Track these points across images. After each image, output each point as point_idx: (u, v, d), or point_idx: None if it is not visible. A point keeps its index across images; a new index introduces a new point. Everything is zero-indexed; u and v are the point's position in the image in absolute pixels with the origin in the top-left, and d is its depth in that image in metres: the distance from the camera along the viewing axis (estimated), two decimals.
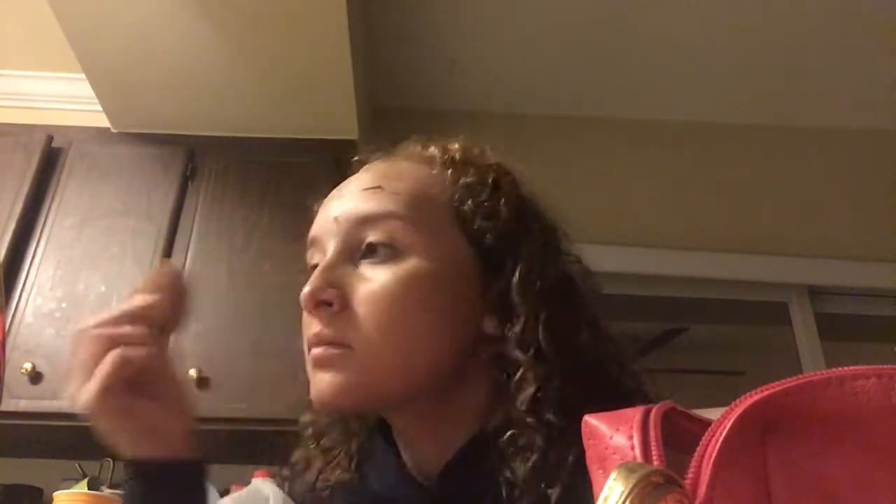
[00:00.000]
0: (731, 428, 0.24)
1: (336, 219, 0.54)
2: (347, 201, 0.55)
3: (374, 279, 0.51)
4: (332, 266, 0.52)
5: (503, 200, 0.55)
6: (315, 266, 0.54)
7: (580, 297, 0.56)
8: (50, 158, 1.99)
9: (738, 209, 2.41)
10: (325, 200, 0.58)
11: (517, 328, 0.51)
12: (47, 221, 1.89)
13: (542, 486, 0.46)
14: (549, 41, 2.27)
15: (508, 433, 0.49)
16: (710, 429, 0.25)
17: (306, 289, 0.51)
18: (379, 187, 0.54)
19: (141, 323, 0.54)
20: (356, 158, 0.63)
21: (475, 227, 0.54)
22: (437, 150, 0.58)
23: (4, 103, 2.20)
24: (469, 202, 0.54)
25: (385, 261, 0.52)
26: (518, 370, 0.50)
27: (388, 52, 2.30)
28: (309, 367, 0.53)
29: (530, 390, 0.49)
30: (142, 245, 1.87)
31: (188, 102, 1.98)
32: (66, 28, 1.77)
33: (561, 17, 2.17)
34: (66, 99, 2.18)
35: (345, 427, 0.60)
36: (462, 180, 0.55)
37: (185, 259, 1.86)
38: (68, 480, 1.75)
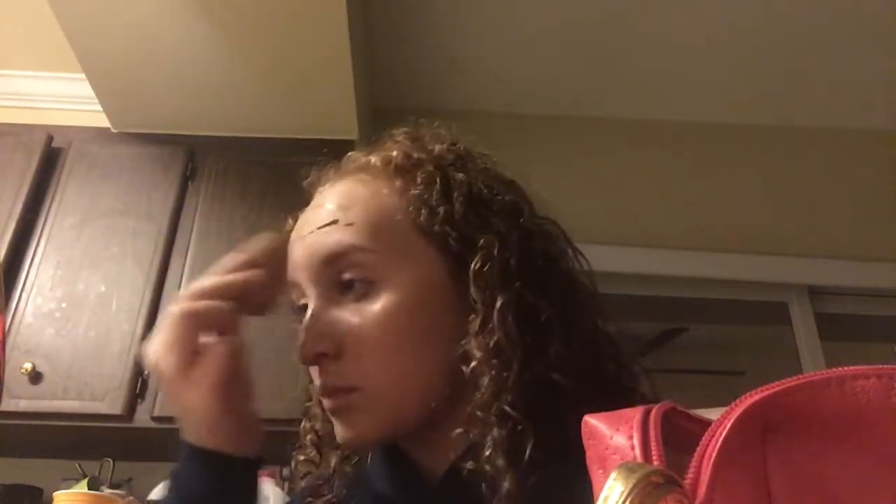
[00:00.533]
0: (731, 428, 0.24)
1: (304, 265, 0.54)
2: (309, 243, 0.55)
3: (359, 318, 0.52)
4: (317, 315, 0.53)
5: (455, 197, 0.54)
6: (302, 306, 0.55)
7: (550, 275, 0.54)
8: (50, 158, 1.99)
9: (738, 209, 2.41)
10: (291, 239, 0.57)
11: (475, 323, 0.51)
12: (47, 221, 1.89)
13: (505, 482, 0.46)
14: (549, 41, 2.27)
15: (458, 430, 0.49)
16: (710, 429, 0.25)
17: (300, 349, 0.52)
18: (334, 221, 0.54)
19: (236, 300, 0.52)
20: (307, 181, 0.62)
21: (436, 233, 0.53)
22: (379, 161, 0.57)
23: (4, 103, 2.20)
24: (423, 211, 0.53)
25: (365, 295, 0.52)
26: (472, 364, 0.50)
27: (388, 52, 2.30)
28: (328, 413, 0.55)
29: (484, 383, 0.49)
30: (142, 245, 1.87)
31: (188, 102, 1.98)
32: (66, 28, 1.77)
33: (561, 17, 2.17)
34: (66, 99, 2.18)
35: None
36: (411, 190, 0.54)
37: (185, 259, 1.86)
38: (68, 480, 1.75)
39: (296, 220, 0.59)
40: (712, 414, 0.26)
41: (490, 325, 0.50)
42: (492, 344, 0.49)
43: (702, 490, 0.23)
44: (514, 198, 0.57)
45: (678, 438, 0.26)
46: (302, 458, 0.61)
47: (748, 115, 2.51)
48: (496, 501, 0.46)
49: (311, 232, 0.55)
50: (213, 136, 2.05)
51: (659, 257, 2.31)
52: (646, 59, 2.32)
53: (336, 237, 0.53)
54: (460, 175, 0.56)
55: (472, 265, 0.52)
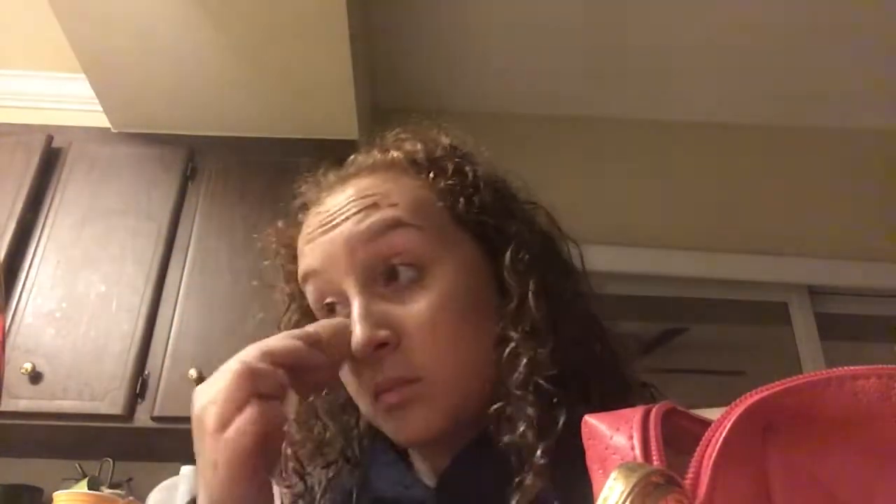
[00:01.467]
0: (731, 428, 0.24)
1: (339, 255, 0.52)
2: (344, 230, 0.52)
3: (414, 306, 0.50)
4: (367, 306, 0.51)
5: (482, 186, 0.55)
6: (328, 304, 0.53)
7: (563, 261, 0.58)
8: (50, 158, 1.99)
9: (738, 209, 2.41)
10: (308, 239, 0.55)
11: (512, 305, 0.52)
12: (47, 221, 1.89)
13: (537, 453, 0.46)
14: (549, 41, 2.27)
15: (496, 406, 0.49)
16: (710, 429, 0.25)
17: (360, 337, 0.49)
18: (374, 204, 0.52)
19: (294, 373, 0.48)
20: (302, 188, 0.61)
21: (473, 221, 0.54)
22: (402, 156, 0.57)
23: (4, 103, 2.20)
24: (460, 200, 0.54)
25: (416, 280, 0.51)
26: (510, 345, 0.50)
27: (388, 52, 2.30)
28: (380, 413, 0.51)
29: (523, 362, 0.49)
30: (142, 245, 1.87)
31: (188, 102, 1.98)
32: (66, 28, 1.77)
33: (561, 18, 2.17)
34: (66, 99, 2.18)
35: (344, 429, 0.60)
36: (442, 182, 0.55)
37: (185, 259, 1.86)
38: (68, 480, 1.75)
39: (298, 225, 0.58)
40: (712, 414, 0.26)
41: (526, 307, 0.51)
42: (528, 326, 0.50)
43: (702, 490, 0.23)
44: (515, 188, 0.60)
45: (678, 438, 0.26)
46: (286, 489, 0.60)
47: (748, 115, 2.51)
48: (527, 475, 0.46)
49: (347, 218, 0.52)
50: (213, 136, 2.05)
51: (659, 257, 2.31)
52: (646, 59, 2.32)
53: (379, 215, 0.52)
54: (480, 168, 0.57)
55: (508, 252, 0.53)
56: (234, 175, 1.99)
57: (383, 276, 0.52)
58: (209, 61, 1.86)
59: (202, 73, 1.89)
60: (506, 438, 0.48)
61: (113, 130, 2.09)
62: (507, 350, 0.50)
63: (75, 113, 2.14)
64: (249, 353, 0.48)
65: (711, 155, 2.51)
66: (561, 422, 0.47)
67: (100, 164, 2.00)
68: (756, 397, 0.25)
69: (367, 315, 0.50)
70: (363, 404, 0.53)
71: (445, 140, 0.59)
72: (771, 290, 2.40)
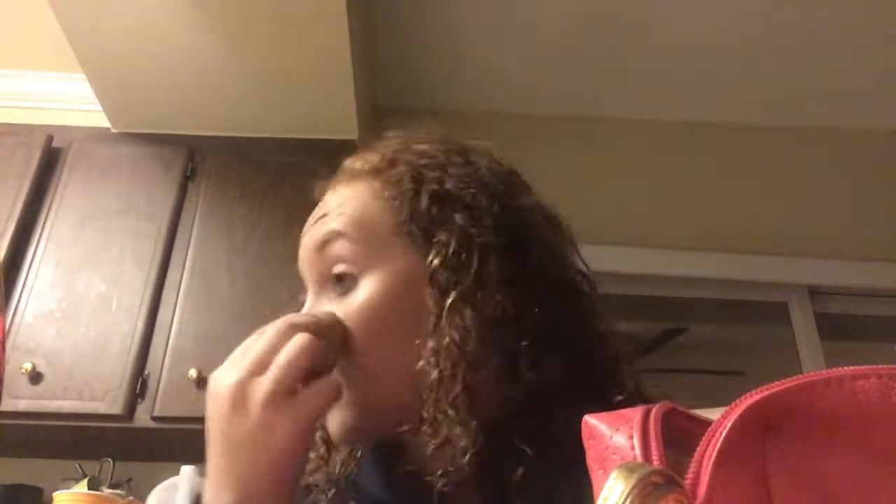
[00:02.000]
0: (731, 428, 0.24)
1: (304, 259, 0.57)
2: (308, 236, 0.58)
3: (342, 312, 0.53)
4: (310, 308, 0.56)
5: (421, 194, 0.55)
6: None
7: (524, 272, 0.53)
8: (50, 158, 1.99)
9: (738, 209, 2.41)
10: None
11: (430, 322, 0.51)
12: (47, 221, 1.89)
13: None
14: (550, 41, 2.27)
15: (423, 426, 0.49)
16: (710, 429, 0.25)
17: None
18: (324, 215, 0.57)
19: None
20: (316, 193, 0.63)
21: (407, 232, 0.54)
22: (364, 165, 0.59)
23: (4, 103, 2.20)
24: (394, 211, 0.55)
25: (350, 289, 0.54)
26: (420, 363, 0.50)
27: (388, 51, 2.30)
28: None
29: (431, 380, 0.49)
30: (142, 245, 1.87)
31: (188, 102, 1.98)
32: (66, 28, 1.77)
33: (561, 17, 2.17)
34: (66, 99, 2.18)
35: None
36: (385, 192, 0.56)
37: (185, 259, 1.86)
38: (68, 480, 1.75)
39: None
40: (712, 414, 0.26)
41: (441, 325, 0.50)
42: (444, 344, 0.49)
43: (702, 490, 0.23)
44: (490, 193, 0.56)
45: (678, 438, 0.26)
46: (312, 454, 0.60)
47: (748, 115, 2.51)
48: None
49: (310, 228, 0.58)
50: (213, 136, 2.05)
51: (659, 257, 2.31)
52: (646, 59, 2.32)
53: (324, 228, 0.56)
54: (434, 173, 0.56)
55: (428, 262, 0.52)
56: (234, 175, 1.99)
57: (331, 281, 0.55)
58: (209, 61, 1.86)
59: (202, 73, 1.89)
60: (439, 473, 0.48)
61: (113, 130, 2.09)
62: (418, 369, 0.50)
63: (75, 113, 2.14)
64: (308, 321, 0.50)
65: (711, 155, 2.50)
66: (471, 451, 0.47)
67: (100, 164, 2.00)
68: (756, 397, 0.25)
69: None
70: None
71: (418, 145, 0.59)
72: (771, 290, 2.40)
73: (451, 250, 0.52)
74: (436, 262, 0.52)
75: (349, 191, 0.58)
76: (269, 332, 0.48)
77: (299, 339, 0.47)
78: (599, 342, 0.55)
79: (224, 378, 0.47)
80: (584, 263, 0.59)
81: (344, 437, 0.54)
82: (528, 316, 0.51)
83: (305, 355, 0.47)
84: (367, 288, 0.53)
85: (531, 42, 2.27)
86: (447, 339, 0.49)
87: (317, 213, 0.59)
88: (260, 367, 0.46)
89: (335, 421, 0.53)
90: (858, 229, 2.36)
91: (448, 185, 0.55)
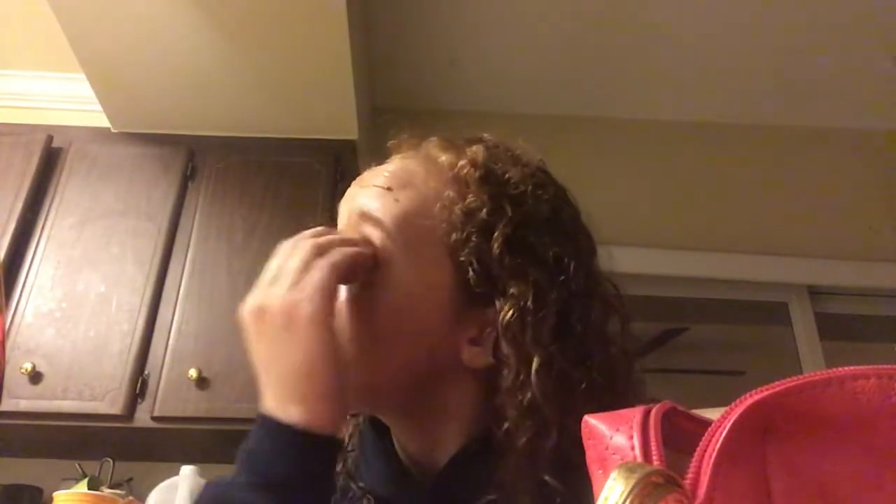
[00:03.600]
0: (731, 428, 0.24)
1: (347, 204, 0.57)
2: (359, 194, 0.57)
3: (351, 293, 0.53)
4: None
5: (495, 235, 0.51)
6: None
7: (586, 327, 0.52)
8: (50, 158, 1.99)
9: (738, 209, 2.41)
10: (354, 182, 0.60)
11: (508, 378, 0.49)
12: (47, 221, 1.89)
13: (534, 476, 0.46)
14: (550, 41, 2.27)
15: (491, 497, 0.48)
16: (710, 429, 0.25)
17: None
18: (389, 189, 0.55)
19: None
20: (391, 143, 0.62)
21: (461, 258, 0.52)
22: (447, 162, 0.56)
23: (4, 103, 2.20)
24: (455, 235, 0.52)
25: (371, 269, 0.53)
26: (508, 420, 0.48)
27: (388, 52, 2.30)
28: None
29: (520, 444, 0.47)
30: (142, 245, 1.87)
31: (188, 102, 1.98)
32: (66, 28, 1.77)
33: (561, 17, 2.17)
34: (66, 99, 2.18)
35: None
36: (456, 207, 0.53)
37: (185, 259, 1.86)
38: (68, 480, 1.75)
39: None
40: (712, 414, 0.26)
41: (523, 382, 0.48)
42: (526, 402, 0.48)
43: (702, 490, 0.23)
44: (564, 249, 0.54)
45: (678, 438, 0.26)
46: None
47: (748, 115, 2.51)
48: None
49: (368, 184, 0.56)
50: (213, 136, 2.05)
51: (659, 257, 2.30)
52: (646, 59, 2.32)
53: (378, 202, 0.54)
54: (516, 211, 0.53)
55: (503, 313, 0.49)
56: (234, 175, 1.99)
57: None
58: (209, 61, 1.86)
59: (202, 73, 1.89)
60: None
61: (113, 130, 2.09)
62: (503, 428, 0.48)
63: (75, 113, 2.14)
64: (333, 240, 0.52)
65: (711, 155, 2.50)
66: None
67: (100, 164, 2.00)
68: (756, 397, 0.25)
69: None
70: None
71: (511, 167, 0.56)
72: (771, 290, 2.40)
73: (528, 305, 0.49)
74: (511, 314, 0.49)
75: (424, 175, 0.55)
76: (300, 250, 0.49)
77: (335, 254, 0.49)
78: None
79: (267, 298, 0.49)
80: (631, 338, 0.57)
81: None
82: (591, 382, 0.50)
83: (341, 271, 0.49)
84: (384, 282, 0.52)
85: (531, 42, 2.27)
86: (531, 397, 0.48)
87: (384, 175, 0.56)
88: (275, 281, 0.49)
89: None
90: (858, 229, 2.36)
91: (529, 232, 0.53)
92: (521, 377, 0.48)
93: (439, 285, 0.52)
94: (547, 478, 0.46)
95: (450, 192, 0.54)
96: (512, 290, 0.50)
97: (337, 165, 1.96)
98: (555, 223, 0.55)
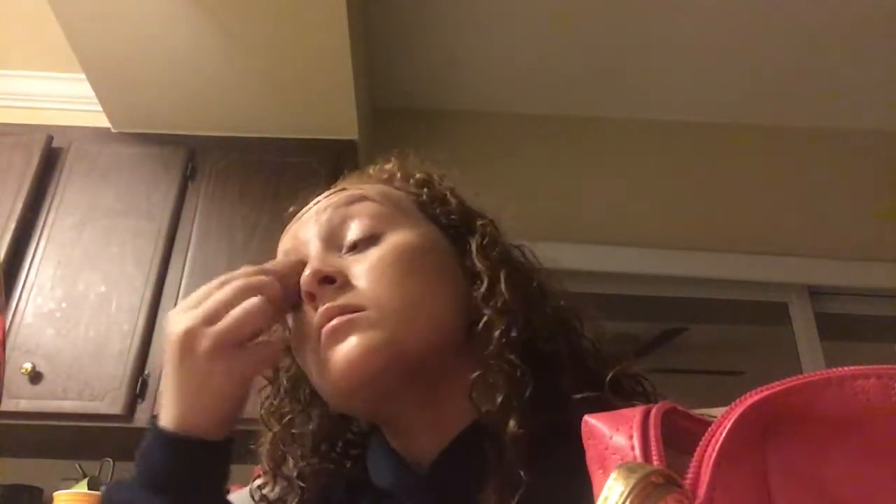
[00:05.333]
0: (731, 428, 0.24)
1: (314, 222, 0.58)
2: (324, 204, 0.59)
3: (365, 259, 0.54)
4: (321, 251, 0.55)
5: (447, 194, 0.62)
6: None
7: (528, 260, 0.62)
8: (50, 158, 1.99)
9: (738, 209, 2.41)
10: (289, 226, 0.63)
11: (483, 287, 0.55)
12: (47, 221, 1.89)
13: (511, 425, 0.49)
14: (550, 41, 2.27)
15: (476, 373, 0.52)
16: (710, 429, 0.25)
17: (308, 270, 0.53)
18: (343, 189, 0.60)
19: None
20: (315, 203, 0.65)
21: (436, 212, 0.60)
22: (374, 171, 0.65)
23: (4, 103, 2.20)
24: (424, 195, 0.61)
25: (369, 245, 0.55)
26: (482, 319, 0.53)
27: (388, 52, 2.31)
28: (322, 348, 0.51)
29: (496, 335, 0.52)
30: (142, 245, 1.87)
31: (188, 102, 1.98)
32: (66, 28, 1.77)
33: (561, 18, 2.17)
34: (66, 99, 2.18)
35: (335, 426, 0.60)
36: (410, 182, 0.63)
37: (185, 259, 1.86)
38: (68, 480, 1.75)
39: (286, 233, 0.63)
40: (712, 414, 0.26)
41: (497, 289, 0.55)
42: (500, 304, 0.54)
43: (702, 490, 0.23)
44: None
45: (678, 438, 0.26)
46: (258, 482, 0.62)
47: (748, 115, 2.51)
48: (504, 449, 0.48)
49: (319, 201, 0.60)
50: (213, 136, 2.05)
51: (659, 257, 2.31)
52: (646, 59, 2.32)
53: (349, 193, 0.59)
54: (448, 186, 0.64)
55: (476, 240, 0.58)
56: (234, 175, 1.99)
57: (346, 246, 0.56)
58: (209, 61, 1.86)
59: (202, 73, 1.89)
60: (484, 408, 0.50)
61: (113, 130, 2.09)
62: (481, 324, 0.53)
63: (75, 113, 2.14)
64: (255, 271, 0.54)
65: (711, 155, 2.51)
66: (528, 394, 0.50)
67: (100, 164, 2.00)
68: (756, 397, 0.25)
69: (320, 258, 0.55)
70: (308, 352, 0.53)
71: (421, 170, 0.66)
72: (771, 290, 2.40)
73: (492, 230, 0.60)
74: (482, 239, 0.58)
75: (364, 183, 0.63)
76: (229, 286, 0.51)
77: (253, 302, 0.50)
78: (577, 337, 0.59)
79: (178, 323, 0.50)
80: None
81: (366, 367, 0.49)
82: (541, 293, 0.59)
83: (254, 318, 0.49)
84: (395, 238, 0.55)
85: (531, 42, 2.27)
86: (504, 299, 0.54)
87: (332, 190, 0.62)
88: (212, 317, 0.49)
89: (355, 348, 0.49)
90: (858, 229, 2.36)
91: (458, 194, 0.64)
92: (494, 285, 0.55)
93: (435, 234, 0.58)
94: (513, 357, 0.51)
95: (395, 182, 0.63)
96: (479, 223, 0.60)
97: (337, 165, 1.96)
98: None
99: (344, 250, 0.55)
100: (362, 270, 0.53)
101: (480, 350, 0.52)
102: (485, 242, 0.58)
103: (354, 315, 0.50)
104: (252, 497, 0.62)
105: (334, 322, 0.50)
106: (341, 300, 0.51)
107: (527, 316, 0.55)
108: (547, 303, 0.58)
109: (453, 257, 0.58)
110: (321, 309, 0.51)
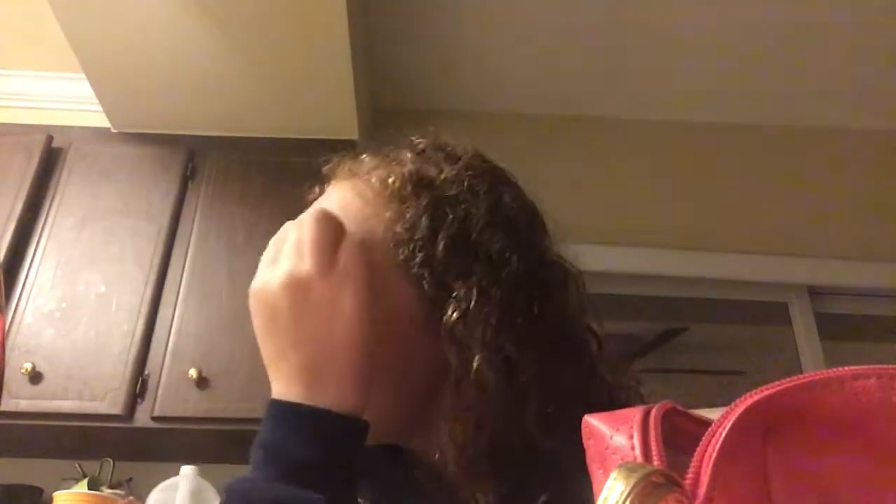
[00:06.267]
0: (731, 428, 0.24)
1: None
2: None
3: None
4: None
5: (439, 238, 0.51)
6: None
7: (539, 329, 0.51)
8: (50, 158, 1.99)
9: (738, 209, 2.40)
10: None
11: (451, 381, 0.49)
12: (47, 221, 1.89)
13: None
14: (550, 41, 2.27)
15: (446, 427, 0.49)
16: (710, 429, 0.25)
17: None
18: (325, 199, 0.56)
19: None
20: (325, 168, 0.62)
21: (414, 275, 0.51)
22: (378, 182, 0.55)
23: (4, 103, 2.20)
24: (403, 251, 0.51)
25: None
26: (449, 424, 0.49)
27: (388, 52, 2.30)
28: None
29: (456, 442, 0.48)
30: (142, 245, 1.87)
31: (188, 102, 1.98)
32: (66, 28, 1.77)
33: (561, 18, 2.17)
34: (66, 99, 2.18)
35: None
36: (397, 226, 0.52)
37: (185, 259, 1.86)
38: (68, 480, 1.75)
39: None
40: (712, 414, 0.26)
41: (465, 385, 0.48)
42: (468, 404, 0.48)
43: (702, 490, 0.23)
44: (516, 243, 0.53)
45: (678, 438, 0.26)
46: None
47: (748, 115, 2.51)
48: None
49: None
50: (213, 136, 2.05)
51: (659, 257, 2.30)
52: (646, 59, 2.32)
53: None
54: (456, 211, 0.53)
55: (446, 316, 0.49)
56: (234, 175, 1.99)
57: None
58: (209, 61, 1.86)
59: (202, 73, 1.89)
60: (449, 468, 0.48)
61: (113, 130, 2.09)
62: (447, 428, 0.49)
63: (75, 113, 2.14)
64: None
65: (711, 155, 2.50)
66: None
67: (100, 164, 2.00)
68: (756, 397, 0.25)
69: None
70: None
71: (445, 167, 0.55)
72: (771, 290, 2.39)
73: (471, 306, 0.49)
74: (453, 316, 0.49)
75: (358, 202, 0.55)
76: (289, 228, 0.50)
77: (315, 214, 0.49)
78: (600, 390, 0.53)
79: (273, 277, 0.47)
80: (597, 317, 0.56)
81: None
82: (537, 374, 0.49)
83: (329, 226, 0.48)
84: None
85: (530, 42, 2.27)
86: (472, 401, 0.48)
87: (318, 204, 0.57)
88: (300, 254, 0.47)
89: None
90: (858, 229, 2.36)
91: (471, 230, 0.52)
92: (462, 379, 0.48)
93: (404, 308, 0.51)
94: (476, 468, 0.47)
95: (388, 213, 0.53)
96: (455, 293, 0.50)
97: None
98: (495, 213, 0.54)
99: None
100: None
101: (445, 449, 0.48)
102: (456, 321, 0.49)
103: None
104: None
105: None
106: None
107: (506, 416, 0.47)
108: (528, 407, 0.48)
109: (431, 328, 0.50)
110: None
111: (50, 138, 2.01)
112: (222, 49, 1.82)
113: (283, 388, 0.45)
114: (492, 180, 0.56)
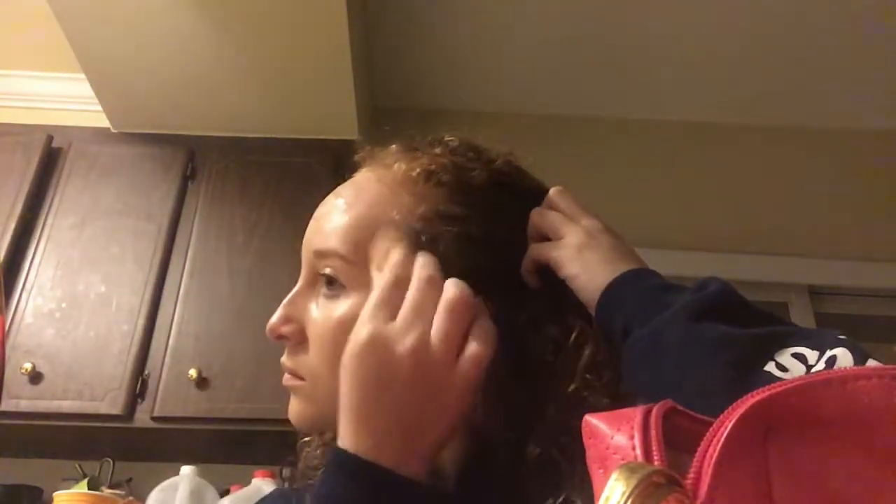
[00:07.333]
0: (732, 428, 0.24)
1: (305, 244, 0.56)
2: (311, 229, 0.56)
3: (321, 315, 0.53)
4: (294, 298, 0.55)
5: (455, 236, 0.51)
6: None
7: (533, 337, 0.52)
8: (50, 158, 1.99)
9: (738, 209, 2.40)
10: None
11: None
12: (47, 221, 1.89)
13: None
14: (550, 41, 2.27)
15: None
16: (711, 429, 0.25)
17: (270, 323, 0.55)
18: (347, 207, 0.55)
19: None
20: (358, 155, 0.61)
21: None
22: (401, 167, 0.55)
23: (4, 103, 2.20)
24: (423, 237, 0.51)
25: (335, 295, 0.52)
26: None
27: (388, 52, 2.30)
28: None
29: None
30: (142, 245, 1.87)
31: (188, 102, 1.98)
32: (66, 28, 1.77)
33: (561, 18, 2.17)
34: (66, 99, 2.18)
35: None
36: (409, 220, 0.52)
37: (185, 259, 1.86)
38: (68, 480, 1.75)
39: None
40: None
41: (504, 377, 0.50)
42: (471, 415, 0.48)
43: (703, 490, 0.23)
44: (512, 255, 0.55)
45: (679, 438, 0.26)
46: (307, 453, 0.63)
47: (748, 115, 2.51)
48: None
49: (317, 217, 0.57)
50: (213, 136, 2.05)
51: (659, 257, 2.29)
52: (646, 59, 2.32)
53: (328, 232, 0.54)
54: (477, 228, 0.53)
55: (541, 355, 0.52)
56: (234, 175, 1.99)
57: (323, 280, 0.54)
58: (209, 61, 1.86)
59: (202, 73, 1.89)
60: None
61: (113, 130, 2.09)
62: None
63: (75, 113, 2.14)
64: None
65: (711, 155, 2.50)
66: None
67: (100, 164, 2.00)
68: (757, 397, 0.25)
69: (285, 305, 0.55)
70: None
71: (475, 166, 0.56)
72: (771, 290, 2.39)
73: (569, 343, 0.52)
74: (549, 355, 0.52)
75: (376, 186, 0.54)
76: (416, 280, 0.46)
77: (454, 288, 0.46)
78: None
79: (404, 338, 0.44)
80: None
81: (299, 426, 0.56)
82: (536, 393, 0.51)
83: (466, 305, 0.46)
84: (352, 305, 0.51)
85: (531, 42, 2.27)
86: (477, 414, 0.49)
87: (338, 194, 0.56)
88: (426, 321, 0.45)
89: (293, 409, 0.55)
90: (858, 229, 2.36)
91: (485, 257, 0.52)
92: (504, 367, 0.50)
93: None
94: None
95: (404, 200, 0.53)
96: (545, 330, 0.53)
97: (337, 165, 1.96)
98: (515, 216, 0.58)
99: (320, 285, 0.54)
100: (312, 332, 0.53)
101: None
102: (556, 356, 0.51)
103: (296, 383, 0.54)
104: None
105: (285, 378, 0.55)
106: (290, 363, 0.55)
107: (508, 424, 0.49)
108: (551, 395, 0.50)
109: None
110: (282, 358, 0.56)
111: (50, 138, 2.01)
112: (222, 49, 1.82)
113: (369, 446, 0.43)
114: (519, 189, 0.61)
